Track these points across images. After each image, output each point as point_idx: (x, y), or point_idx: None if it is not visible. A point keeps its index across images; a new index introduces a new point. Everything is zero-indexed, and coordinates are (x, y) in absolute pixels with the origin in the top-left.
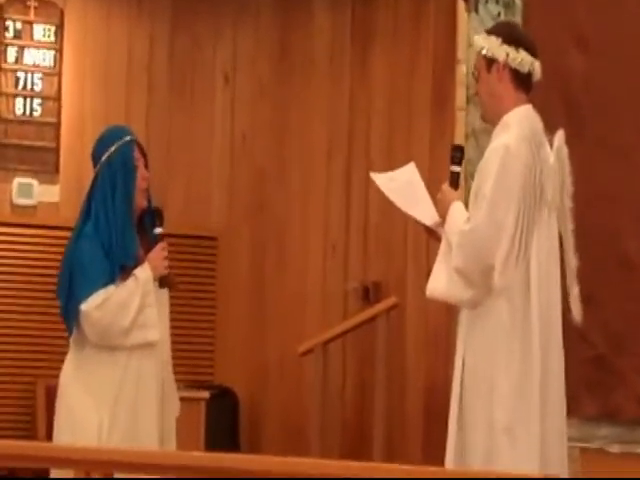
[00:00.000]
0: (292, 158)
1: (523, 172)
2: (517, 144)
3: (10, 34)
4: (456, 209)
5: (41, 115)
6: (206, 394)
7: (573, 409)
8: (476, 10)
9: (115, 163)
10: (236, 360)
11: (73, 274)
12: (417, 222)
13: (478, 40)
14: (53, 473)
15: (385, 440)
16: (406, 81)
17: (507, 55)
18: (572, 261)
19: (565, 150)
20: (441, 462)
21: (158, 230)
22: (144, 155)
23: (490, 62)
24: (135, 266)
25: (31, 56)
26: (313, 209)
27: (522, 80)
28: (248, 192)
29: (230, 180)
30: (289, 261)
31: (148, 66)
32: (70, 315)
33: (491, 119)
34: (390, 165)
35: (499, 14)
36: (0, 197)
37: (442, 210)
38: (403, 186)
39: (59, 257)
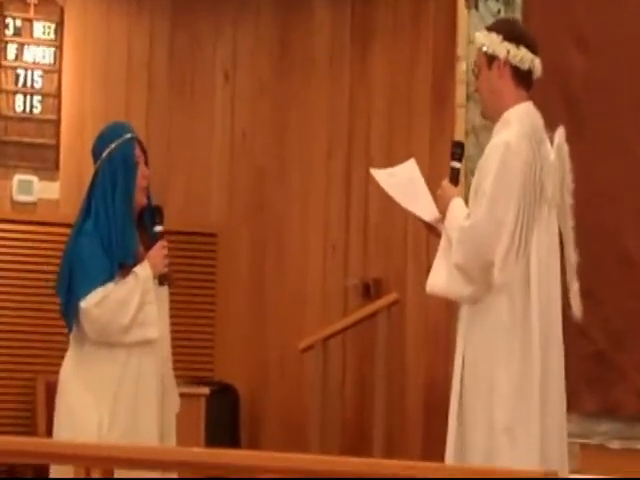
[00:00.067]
0: (292, 156)
1: (523, 169)
2: (517, 141)
3: (10, 31)
4: (456, 205)
5: (41, 112)
6: (206, 390)
7: (573, 405)
8: (476, 7)
9: (116, 160)
10: (236, 356)
11: (73, 271)
12: (417, 218)
13: (479, 37)
14: (52, 469)
15: (385, 436)
16: (406, 79)
17: (508, 52)
18: (572, 257)
19: (565, 147)
20: (441, 458)
21: (158, 228)
22: (144, 152)
23: (491, 59)
24: (135, 264)
25: (31, 53)
26: (313, 206)
27: (522, 77)
28: (248, 190)
29: (230, 177)
30: (289, 258)
31: (148, 64)
32: (69, 312)
33: (491, 116)
34: (390, 162)
35: (499, 11)
36: (0, 194)
37: (442, 206)
38: (403, 182)
39: (59, 254)
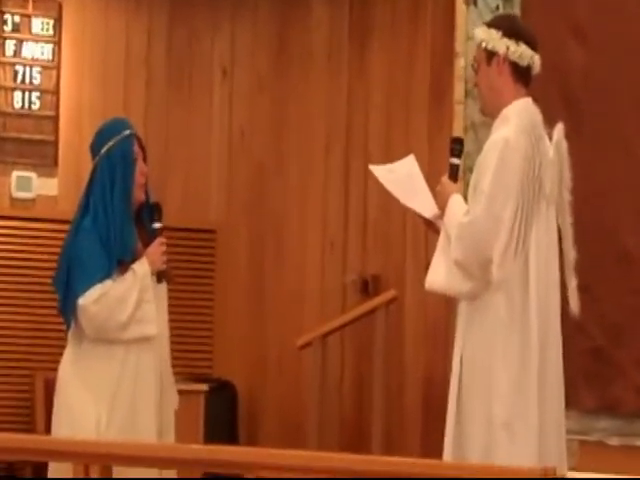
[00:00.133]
0: (290, 152)
1: (522, 165)
2: (516, 137)
3: (8, 27)
4: (455, 202)
5: (39, 108)
6: (205, 387)
7: (572, 402)
8: (474, 3)
9: (114, 157)
10: (235, 353)
11: (71, 268)
12: (416, 214)
13: (478, 32)
14: (51, 466)
15: (383, 433)
16: (404, 75)
17: (507, 48)
18: (570, 254)
19: (564, 144)
20: (440, 455)
21: (156, 225)
22: (143, 149)
23: (490, 55)
24: (133, 260)
25: (29, 49)
26: (311, 202)
27: (521, 73)
28: (246, 186)
29: (228, 174)
30: (288, 254)
31: (146, 60)
32: (68, 309)
33: (490, 112)
34: (388, 159)
35: (497, 7)
36: None
37: (441, 202)
38: (402, 178)
39: (58, 250)
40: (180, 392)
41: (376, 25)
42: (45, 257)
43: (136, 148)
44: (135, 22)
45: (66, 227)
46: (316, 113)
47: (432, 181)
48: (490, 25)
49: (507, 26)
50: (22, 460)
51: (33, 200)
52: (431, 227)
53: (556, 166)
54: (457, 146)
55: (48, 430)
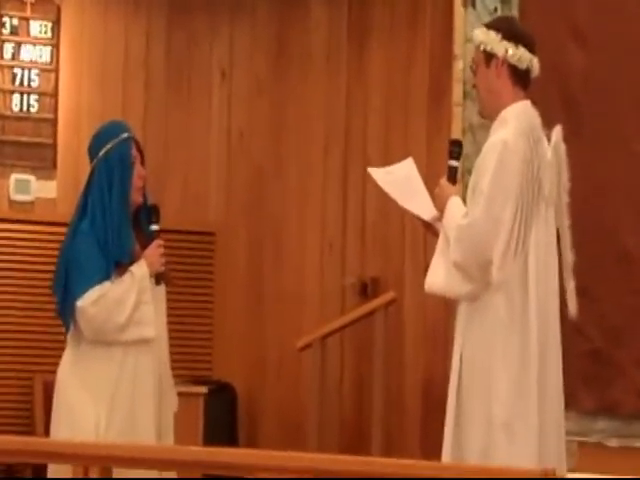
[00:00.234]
0: (289, 154)
1: (521, 167)
2: (515, 139)
3: (7, 30)
4: (454, 204)
5: (38, 111)
6: (204, 389)
7: (571, 403)
8: (473, 5)
9: (112, 160)
10: (234, 355)
11: (69, 270)
12: (415, 217)
13: (477, 34)
14: (50, 468)
15: (383, 435)
16: (403, 77)
17: (506, 51)
18: (568, 256)
19: (563, 146)
20: (439, 457)
21: (154, 227)
22: (141, 152)
23: (489, 57)
24: (131, 263)
25: (28, 52)
26: (310, 204)
27: (520, 76)
28: (245, 188)
29: (227, 176)
30: (287, 257)
31: (145, 62)
32: (66, 311)
33: (489, 114)
34: (387, 161)
35: (496, 9)
36: None
37: (440, 205)
38: (401, 180)
39: (56, 253)
40: (179, 394)
41: (375, 26)
42: (44, 260)
43: (134, 151)
44: (134, 24)
45: (65, 230)
46: (315, 115)
47: (431, 183)
48: (489, 27)
49: (506, 28)
50: (22, 462)
51: (32, 203)
52: (430, 229)
53: (554, 168)
54: (455, 148)
55: (47, 432)
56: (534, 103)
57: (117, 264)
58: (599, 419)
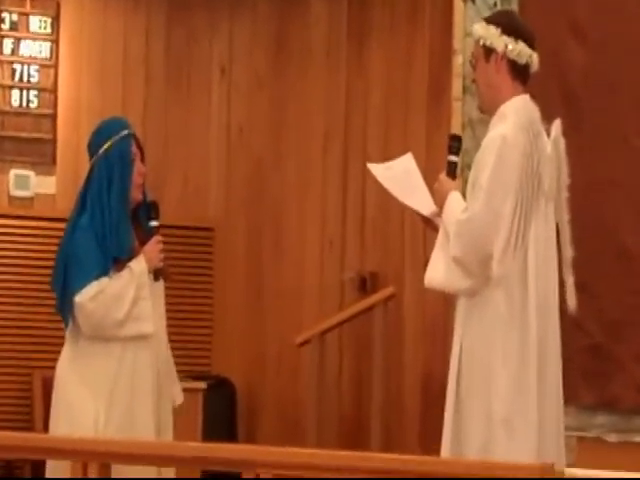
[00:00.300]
0: (289, 150)
1: (520, 162)
2: (514, 134)
3: (6, 26)
4: (453, 199)
5: (37, 107)
6: (203, 384)
7: (570, 398)
8: (472, 0)
9: (112, 157)
10: (233, 350)
11: (68, 266)
12: (414, 212)
13: (477, 29)
14: (49, 465)
15: (382, 430)
16: (403, 72)
17: (506, 46)
18: (568, 251)
19: (562, 140)
20: (439, 451)
21: (153, 223)
22: (141, 149)
23: (488, 52)
24: (130, 258)
25: (27, 48)
26: (310, 200)
27: (520, 71)
28: (245, 184)
29: (227, 171)
30: (286, 252)
31: (144, 58)
32: (65, 307)
33: (488, 109)
34: (387, 156)
35: (495, 4)
36: None
37: (439, 200)
38: (400, 176)
39: (56, 248)
40: None
41: (374, 22)
42: (43, 255)
43: (134, 148)
44: (133, 20)
45: (64, 225)
46: (315, 110)
47: (430, 178)
48: (489, 21)
49: (506, 23)
50: (21, 458)
51: (31, 199)
52: (429, 224)
53: (554, 162)
54: (455, 143)
55: (46, 428)
56: (533, 98)
57: (116, 260)
58: (598, 414)
